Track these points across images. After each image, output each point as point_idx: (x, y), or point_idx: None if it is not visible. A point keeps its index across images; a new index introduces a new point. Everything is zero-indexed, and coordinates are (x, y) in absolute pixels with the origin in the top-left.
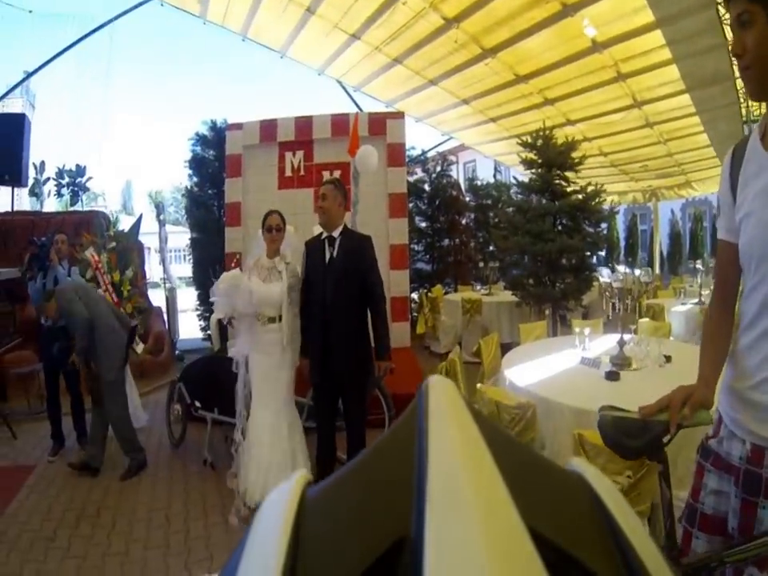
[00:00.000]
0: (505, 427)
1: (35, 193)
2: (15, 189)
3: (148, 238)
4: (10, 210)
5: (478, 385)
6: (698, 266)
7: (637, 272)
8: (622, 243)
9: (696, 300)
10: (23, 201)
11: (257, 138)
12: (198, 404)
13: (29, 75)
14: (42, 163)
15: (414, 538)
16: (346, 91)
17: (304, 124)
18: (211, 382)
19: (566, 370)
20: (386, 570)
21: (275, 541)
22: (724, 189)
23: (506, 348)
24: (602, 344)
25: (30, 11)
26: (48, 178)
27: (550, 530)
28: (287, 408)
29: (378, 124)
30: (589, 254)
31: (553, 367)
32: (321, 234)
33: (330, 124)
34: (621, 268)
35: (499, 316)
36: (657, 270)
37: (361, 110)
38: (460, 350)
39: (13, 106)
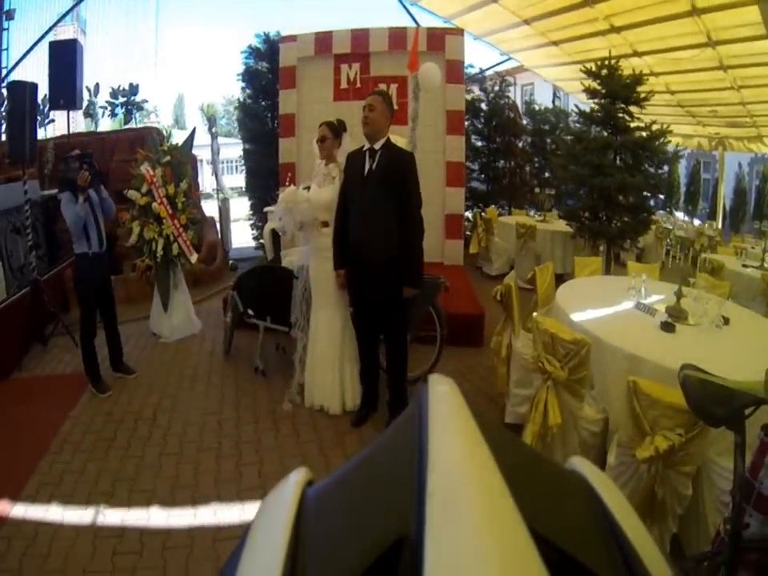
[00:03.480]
0: (508, 433)
1: (90, 114)
2: (71, 112)
3: (200, 150)
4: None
5: (534, 314)
6: (765, 227)
7: (697, 222)
8: (683, 189)
9: (758, 264)
10: (79, 123)
11: (311, 50)
12: (250, 312)
13: (78, 2)
14: (97, 85)
15: (413, 537)
16: (404, 5)
17: (360, 36)
18: (264, 291)
19: (621, 313)
20: (386, 569)
21: (275, 541)
22: None
23: (558, 279)
24: (658, 292)
25: None
26: (103, 105)
27: (551, 530)
28: (341, 308)
29: (437, 40)
30: (648, 195)
31: (607, 307)
32: (362, 146)
33: (387, 37)
34: (679, 215)
35: (553, 245)
36: (719, 224)
37: (418, 25)
38: (515, 276)
39: (64, 33)
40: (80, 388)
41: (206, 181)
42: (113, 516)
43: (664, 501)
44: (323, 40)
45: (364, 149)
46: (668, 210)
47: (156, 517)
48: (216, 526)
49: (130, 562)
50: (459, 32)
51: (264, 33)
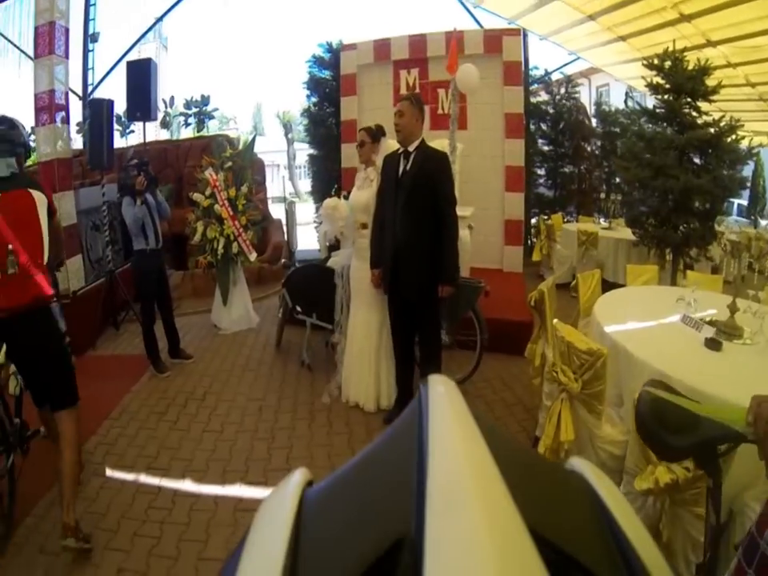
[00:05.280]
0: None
1: (165, 124)
2: (147, 123)
3: (277, 155)
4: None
5: (555, 320)
6: None
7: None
8: None
9: None
10: (161, 133)
11: (371, 58)
12: (298, 308)
13: (158, 20)
14: (172, 98)
15: (413, 538)
16: (465, 7)
17: (418, 42)
18: (310, 289)
19: (662, 325)
20: (386, 570)
21: (275, 541)
22: None
23: (613, 288)
24: (714, 304)
25: None
26: (176, 114)
27: (551, 530)
28: (379, 308)
29: (494, 41)
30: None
31: (648, 318)
32: (398, 149)
33: (444, 41)
34: (764, 223)
35: (616, 253)
36: None
37: (481, 26)
38: (552, 282)
39: (147, 50)
40: (143, 368)
41: (284, 184)
42: (153, 476)
43: (670, 544)
44: (382, 47)
45: (399, 151)
46: (752, 218)
47: (189, 482)
48: (239, 497)
49: (160, 515)
50: (517, 32)
51: (327, 42)
